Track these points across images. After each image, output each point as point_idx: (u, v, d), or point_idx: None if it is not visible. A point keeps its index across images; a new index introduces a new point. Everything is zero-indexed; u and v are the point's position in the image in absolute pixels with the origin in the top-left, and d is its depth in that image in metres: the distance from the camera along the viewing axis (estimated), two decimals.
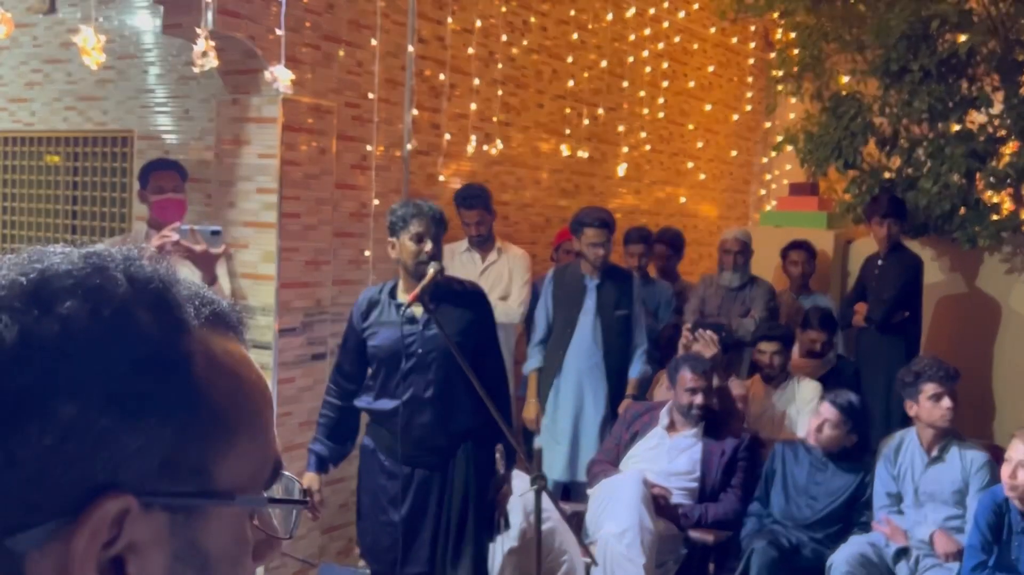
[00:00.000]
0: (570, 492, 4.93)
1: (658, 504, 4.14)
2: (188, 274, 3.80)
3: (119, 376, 0.60)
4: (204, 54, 3.60)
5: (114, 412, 0.59)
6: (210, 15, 3.86)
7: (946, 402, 3.99)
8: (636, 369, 4.91)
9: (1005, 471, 3.63)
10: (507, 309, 4.85)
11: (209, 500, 0.63)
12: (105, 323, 0.60)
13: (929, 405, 4.02)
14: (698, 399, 4.33)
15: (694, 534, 4.22)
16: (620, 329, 4.88)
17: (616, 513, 4.01)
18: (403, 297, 3.38)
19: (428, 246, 3.29)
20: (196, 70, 3.69)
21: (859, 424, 4.25)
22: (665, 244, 6.05)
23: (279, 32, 4.11)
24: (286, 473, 0.68)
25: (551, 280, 5.01)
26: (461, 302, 3.41)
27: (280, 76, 3.88)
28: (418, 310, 3.34)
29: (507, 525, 3.50)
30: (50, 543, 0.58)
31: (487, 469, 3.30)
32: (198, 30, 3.67)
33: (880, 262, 5.51)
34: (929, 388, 4.01)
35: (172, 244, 3.66)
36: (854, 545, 4.01)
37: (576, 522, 4.37)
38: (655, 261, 6.03)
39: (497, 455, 3.07)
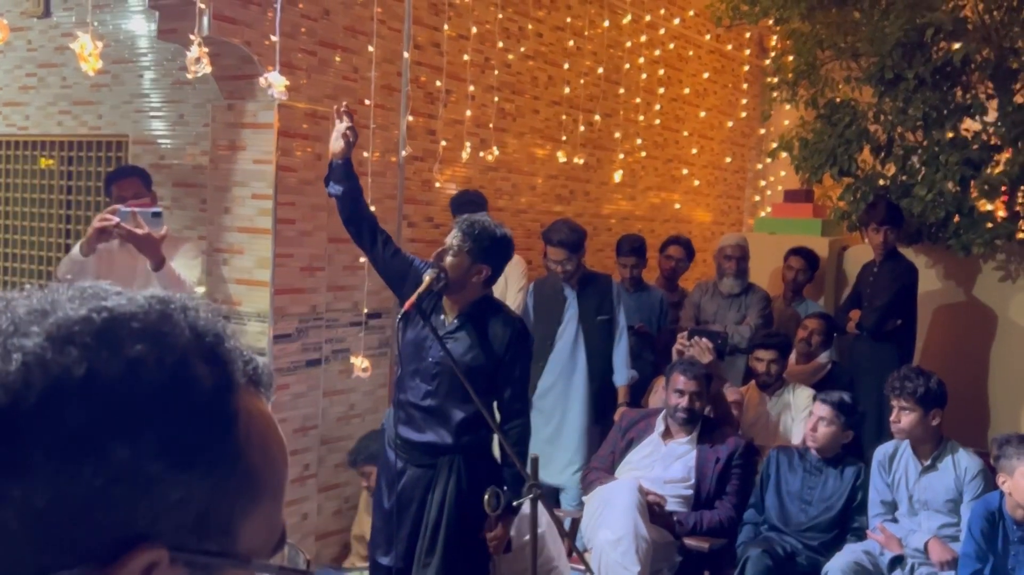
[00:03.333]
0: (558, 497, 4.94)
1: (653, 511, 4.13)
2: (127, 260, 3.77)
3: (174, 425, 0.60)
4: (197, 60, 3.59)
5: (164, 461, 0.59)
6: (205, 20, 3.86)
7: (892, 416, 4.03)
8: (622, 376, 4.91)
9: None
10: None
11: (231, 562, 0.63)
12: (167, 371, 0.60)
13: (892, 417, 4.06)
14: (683, 402, 4.33)
15: (689, 542, 4.21)
16: (603, 334, 4.89)
17: (611, 520, 4.00)
18: (445, 303, 3.38)
19: (438, 252, 3.30)
20: (189, 76, 3.68)
21: (852, 420, 4.26)
22: (680, 246, 6.05)
23: (274, 38, 4.10)
24: (290, 542, 0.68)
25: (531, 292, 5.02)
26: (493, 326, 3.34)
27: (274, 82, 3.86)
28: (448, 319, 3.34)
29: (509, 550, 3.49)
30: None
31: (472, 488, 3.28)
32: (192, 36, 3.66)
33: (875, 269, 5.51)
34: (892, 402, 4.05)
35: (114, 227, 3.61)
36: (849, 553, 4.01)
37: (572, 528, 4.36)
38: (665, 262, 6.04)
39: (486, 496, 3.02)
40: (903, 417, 4.00)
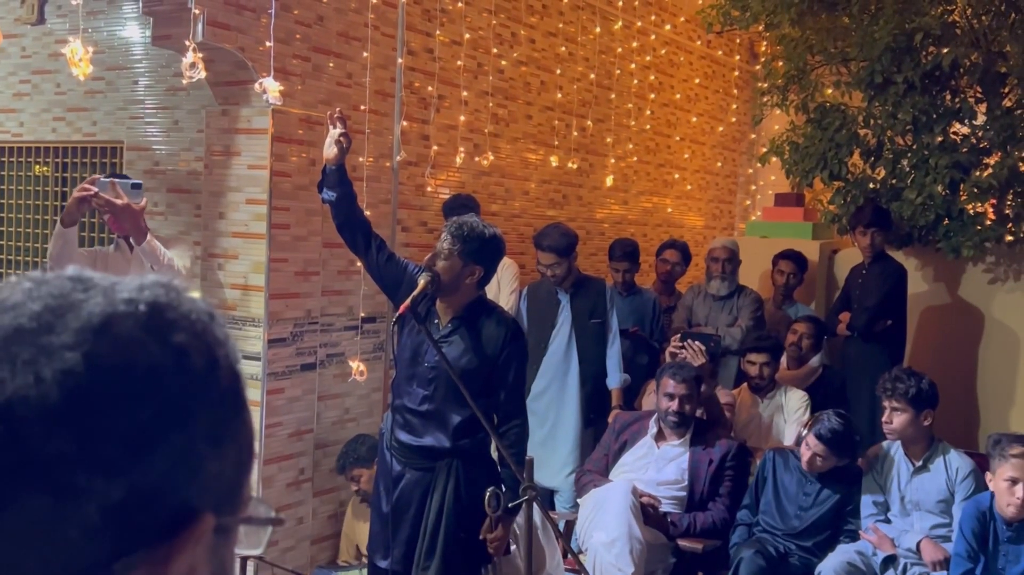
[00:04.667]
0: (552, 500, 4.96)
1: (647, 513, 4.15)
2: (121, 265, 3.75)
3: (213, 406, 0.63)
4: (193, 65, 3.61)
5: (209, 440, 0.62)
6: (200, 27, 3.87)
7: (885, 416, 4.04)
8: (614, 379, 4.93)
9: (1006, 490, 3.63)
10: None
11: (242, 521, 0.67)
12: (205, 355, 0.63)
13: (884, 418, 4.08)
14: (674, 405, 4.35)
15: (682, 543, 4.23)
16: (596, 338, 4.92)
17: (605, 523, 4.02)
18: (439, 306, 3.39)
19: (429, 256, 3.32)
20: (185, 82, 3.70)
21: (848, 447, 4.13)
22: (677, 250, 6.07)
23: (269, 44, 4.12)
24: (254, 496, 0.71)
25: (525, 297, 5.04)
26: (487, 328, 3.35)
27: (269, 87, 3.89)
28: (442, 323, 3.36)
29: (508, 551, 3.50)
30: (141, 565, 0.59)
31: (471, 491, 3.29)
32: (187, 42, 3.68)
33: (864, 271, 5.55)
34: (884, 403, 4.07)
35: (93, 196, 3.61)
36: (842, 554, 4.03)
37: (567, 530, 4.38)
38: (661, 266, 6.06)
39: (487, 495, 3.03)
40: (895, 418, 4.03)
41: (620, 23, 6.78)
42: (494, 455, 3.45)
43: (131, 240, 3.79)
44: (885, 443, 4.24)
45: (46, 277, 0.63)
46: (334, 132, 3.36)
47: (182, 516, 0.60)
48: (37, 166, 5.20)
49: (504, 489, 3.22)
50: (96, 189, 3.60)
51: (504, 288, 5.07)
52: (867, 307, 5.37)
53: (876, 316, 5.34)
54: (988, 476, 3.72)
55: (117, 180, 3.67)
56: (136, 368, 0.59)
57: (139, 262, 3.81)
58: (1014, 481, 3.60)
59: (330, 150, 3.37)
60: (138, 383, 0.59)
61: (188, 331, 0.63)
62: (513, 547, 3.61)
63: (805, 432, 4.25)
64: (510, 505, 3.15)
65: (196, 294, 0.68)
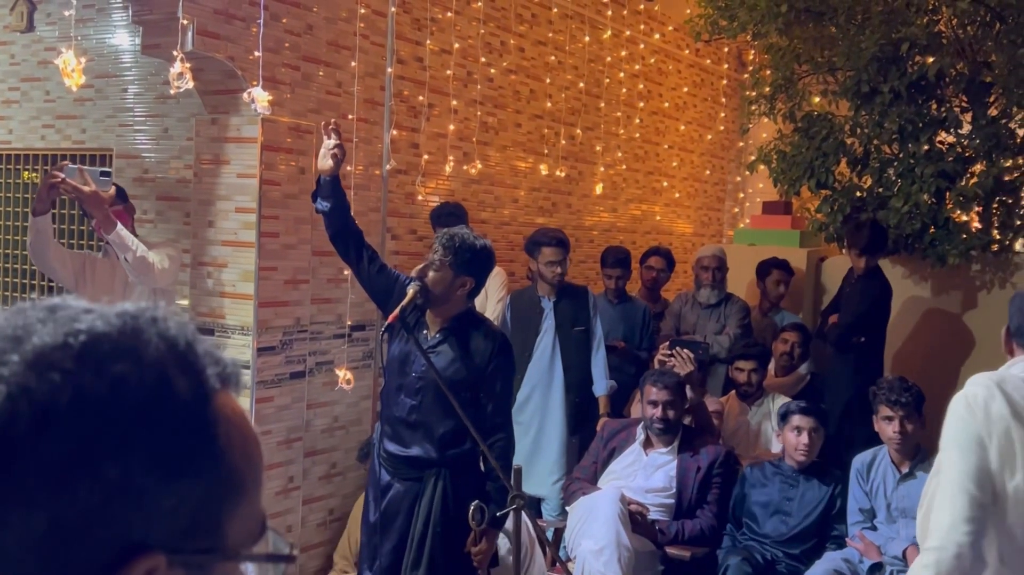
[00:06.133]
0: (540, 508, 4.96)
1: (635, 521, 4.17)
2: (107, 271, 3.73)
3: (161, 439, 0.61)
4: (180, 75, 3.62)
5: (155, 474, 0.60)
6: (189, 36, 3.88)
7: (894, 426, 4.06)
8: (601, 386, 4.94)
9: None
10: None
11: (223, 558, 0.65)
12: (149, 387, 0.62)
13: (882, 425, 4.10)
14: (658, 412, 4.36)
15: (671, 550, 4.24)
16: (580, 345, 4.92)
17: (593, 530, 4.03)
18: (429, 317, 3.41)
19: (420, 267, 3.33)
20: (172, 91, 3.70)
21: (824, 413, 4.40)
22: (661, 256, 6.09)
23: (258, 53, 4.13)
24: (272, 528, 0.70)
25: (508, 305, 5.04)
26: (475, 339, 3.37)
27: (258, 97, 3.90)
28: (431, 333, 3.37)
29: (496, 563, 3.50)
30: None
31: (459, 502, 3.30)
32: (175, 52, 3.68)
33: (852, 281, 5.57)
34: (882, 410, 4.09)
35: (60, 183, 3.61)
36: (828, 561, 4.05)
37: (555, 538, 4.39)
38: (646, 273, 6.08)
39: (471, 509, 3.03)
40: (908, 425, 4.05)
41: (609, 32, 6.81)
42: (482, 467, 3.46)
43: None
44: (871, 451, 4.27)
45: (25, 306, 0.64)
46: (328, 143, 3.36)
47: (122, 551, 0.59)
48: (26, 173, 5.20)
49: (489, 502, 3.22)
50: (63, 175, 3.61)
51: (492, 296, 5.08)
52: (842, 323, 5.38)
53: (849, 332, 5.33)
54: None
55: (87, 168, 3.68)
56: (60, 399, 0.59)
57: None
58: None
59: (324, 162, 3.37)
60: (62, 414, 0.58)
61: (132, 361, 0.62)
62: (502, 555, 3.62)
63: (781, 426, 4.32)
64: (497, 514, 3.16)
65: (184, 315, 0.67)
